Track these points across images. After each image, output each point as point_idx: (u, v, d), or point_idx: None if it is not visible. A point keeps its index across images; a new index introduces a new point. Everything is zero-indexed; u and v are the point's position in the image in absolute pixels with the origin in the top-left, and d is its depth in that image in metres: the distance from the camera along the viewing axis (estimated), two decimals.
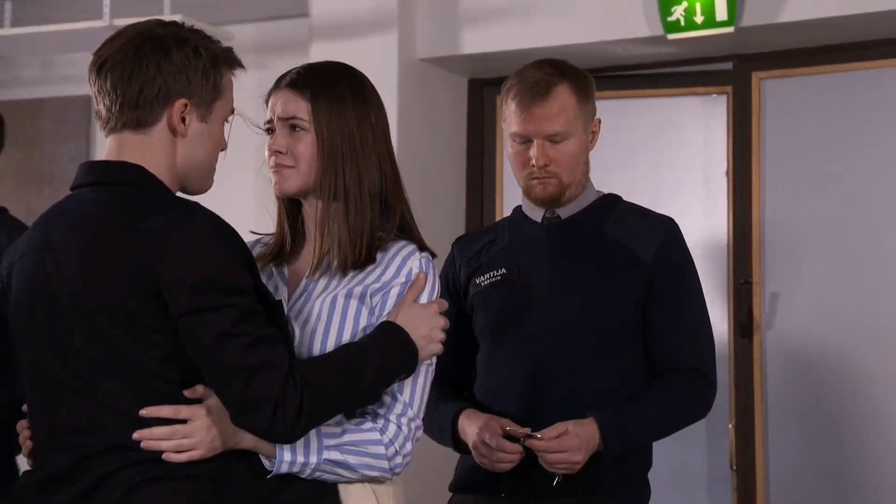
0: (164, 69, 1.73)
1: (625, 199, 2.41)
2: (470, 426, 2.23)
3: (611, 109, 3.96)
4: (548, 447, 2.14)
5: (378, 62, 3.84)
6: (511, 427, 2.19)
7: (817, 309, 3.69)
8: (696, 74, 3.91)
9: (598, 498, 2.22)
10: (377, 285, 1.89)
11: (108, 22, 3.81)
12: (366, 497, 1.87)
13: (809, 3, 3.44)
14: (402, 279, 1.89)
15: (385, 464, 1.84)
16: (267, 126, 1.94)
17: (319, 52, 3.90)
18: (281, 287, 1.97)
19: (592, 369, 2.23)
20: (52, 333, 1.73)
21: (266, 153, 1.93)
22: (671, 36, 3.59)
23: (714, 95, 3.88)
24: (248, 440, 1.76)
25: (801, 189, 3.73)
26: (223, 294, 1.66)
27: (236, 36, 4.11)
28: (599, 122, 2.37)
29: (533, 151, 2.27)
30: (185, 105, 1.75)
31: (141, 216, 1.69)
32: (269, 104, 1.95)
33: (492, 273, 2.33)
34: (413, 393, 1.89)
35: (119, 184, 1.75)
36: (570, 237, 2.31)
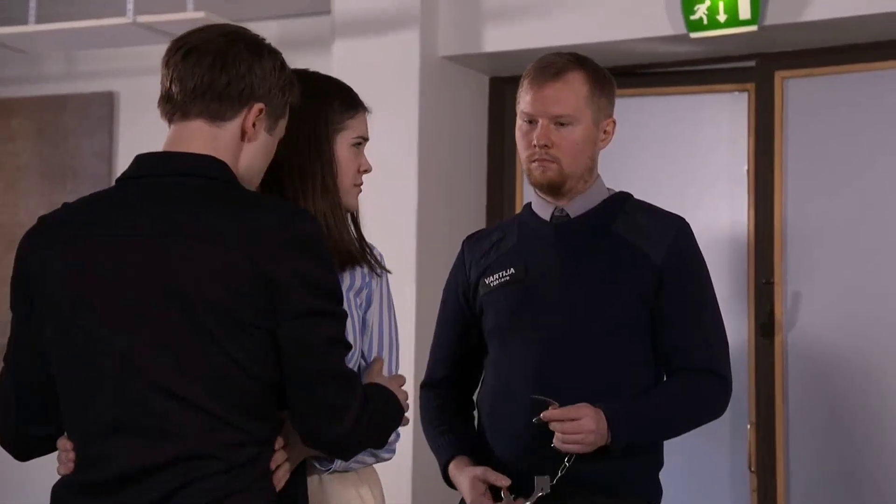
0: (255, 70, 1.76)
1: (638, 197, 2.38)
2: (460, 478, 2.26)
3: (633, 107, 3.96)
4: (564, 414, 2.12)
5: (400, 59, 3.85)
6: (496, 479, 2.20)
7: (840, 309, 3.67)
8: (717, 72, 3.90)
9: (609, 499, 2.21)
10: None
11: (131, 18, 3.82)
12: (345, 483, 2.00)
13: (833, 1, 3.42)
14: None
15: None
16: (365, 143, 2.12)
17: (342, 50, 3.91)
18: None
19: (601, 369, 2.22)
20: (136, 322, 1.66)
21: (360, 175, 2.09)
22: (694, 34, 3.58)
23: (736, 93, 3.86)
24: (311, 450, 1.86)
25: (824, 188, 3.71)
26: (336, 300, 1.72)
27: (259, 33, 4.13)
28: (614, 123, 2.34)
29: (536, 132, 2.25)
30: (261, 110, 1.77)
31: (249, 211, 1.68)
32: (363, 123, 2.10)
33: (501, 273, 2.31)
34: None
35: (207, 177, 1.72)
36: (579, 236, 2.29)
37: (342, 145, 2.06)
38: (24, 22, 4.04)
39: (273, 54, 1.81)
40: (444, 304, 2.43)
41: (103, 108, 4.67)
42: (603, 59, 3.89)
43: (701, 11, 3.55)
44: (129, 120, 4.62)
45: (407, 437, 3.39)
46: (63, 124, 4.72)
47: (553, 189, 2.28)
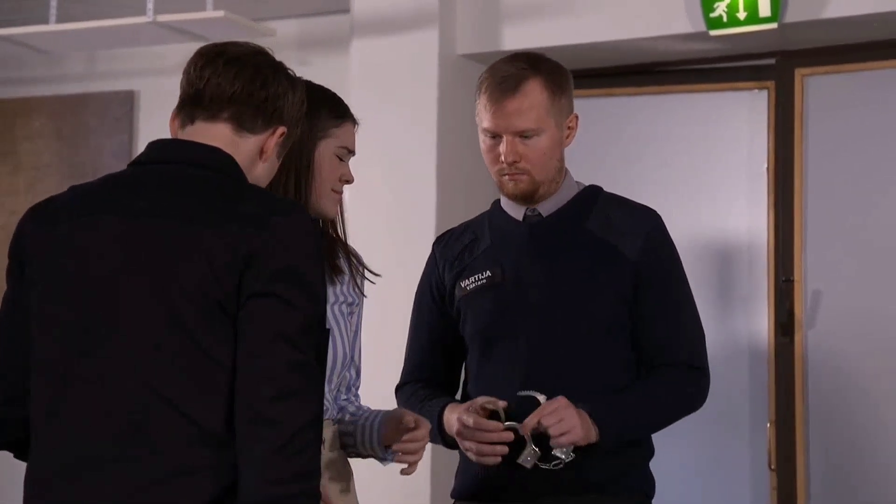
0: (288, 96, 1.81)
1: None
2: (452, 416, 2.20)
3: (652, 105, 3.95)
4: (539, 412, 2.09)
5: (418, 58, 3.85)
6: (490, 404, 2.14)
7: (860, 307, 3.65)
8: (737, 70, 3.88)
9: (601, 495, 2.19)
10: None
11: (151, 18, 3.84)
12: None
13: None
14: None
15: None
16: (350, 155, 2.15)
17: (360, 49, 3.92)
18: None
19: (586, 370, 2.20)
20: (119, 312, 1.64)
21: (340, 184, 2.13)
22: (713, 32, 3.57)
23: (755, 91, 3.85)
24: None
25: (844, 186, 3.70)
26: (300, 290, 1.63)
27: (277, 32, 4.14)
28: (576, 117, 2.30)
29: (502, 147, 2.22)
30: (283, 134, 1.80)
31: (241, 199, 1.68)
32: (350, 134, 2.14)
33: (476, 276, 2.28)
34: None
35: (214, 168, 1.73)
36: (553, 236, 2.27)
37: (324, 152, 2.08)
38: (45, 22, 4.06)
39: (302, 88, 1.85)
40: (417, 309, 2.40)
41: (123, 107, 4.68)
42: (622, 57, 3.90)
43: (720, 9, 3.54)
44: (149, 119, 4.64)
45: None
46: (83, 124, 4.75)
47: (527, 198, 2.27)
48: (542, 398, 2.13)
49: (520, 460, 2.12)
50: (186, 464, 1.60)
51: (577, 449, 2.13)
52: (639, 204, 2.34)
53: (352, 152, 2.14)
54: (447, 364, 2.37)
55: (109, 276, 1.66)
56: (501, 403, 2.15)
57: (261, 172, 1.80)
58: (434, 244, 2.42)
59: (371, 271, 2.19)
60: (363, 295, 2.19)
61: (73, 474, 1.63)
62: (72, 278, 1.68)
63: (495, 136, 2.23)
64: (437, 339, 2.36)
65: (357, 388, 2.20)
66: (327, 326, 2.05)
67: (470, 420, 2.14)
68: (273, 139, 1.79)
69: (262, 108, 1.77)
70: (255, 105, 1.76)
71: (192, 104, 1.77)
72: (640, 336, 2.24)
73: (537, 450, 2.12)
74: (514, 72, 2.23)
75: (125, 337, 1.64)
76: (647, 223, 2.27)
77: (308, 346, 1.62)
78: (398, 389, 2.40)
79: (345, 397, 2.18)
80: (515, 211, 2.30)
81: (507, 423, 2.14)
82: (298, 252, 1.65)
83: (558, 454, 2.12)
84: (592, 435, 2.13)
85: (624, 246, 2.23)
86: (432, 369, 2.37)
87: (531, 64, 2.25)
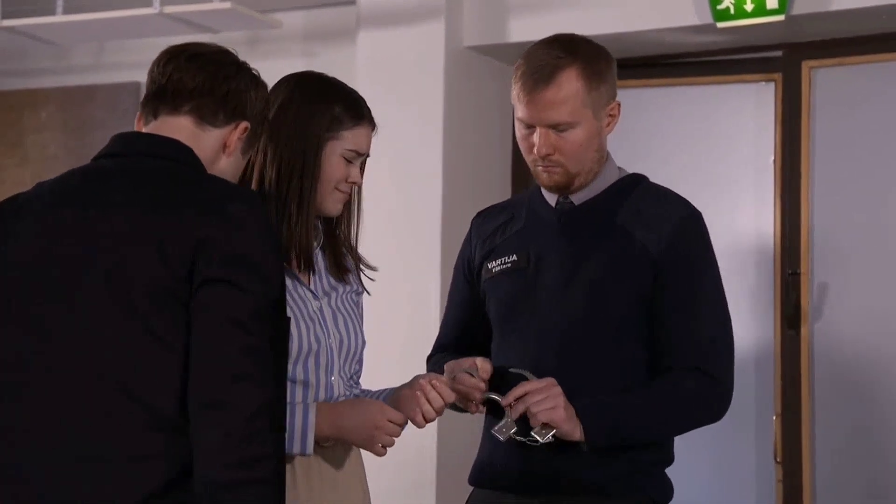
0: (251, 93, 1.83)
1: (652, 180, 2.27)
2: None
3: (659, 97, 3.95)
4: (525, 385, 2.05)
5: (424, 50, 3.85)
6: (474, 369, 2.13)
7: (866, 300, 3.65)
8: (744, 62, 3.88)
9: (611, 498, 2.12)
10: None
11: (158, 9, 3.84)
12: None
13: None
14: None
15: None
16: (360, 157, 2.12)
17: (366, 40, 3.91)
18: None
19: (590, 365, 2.13)
20: (69, 304, 1.65)
21: (346, 184, 2.10)
22: (720, 24, 3.56)
23: (763, 83, 3.84)
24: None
25: (852, 179, 3.69)
26: (252, 276, 1.63)
27: (284, 23, 4.14)
28: (618, 105, 2.21)
29: (536, 138, 2.14)
30: (246, 129, 1.83)
31: (198, 187, 1.70)
32: (361, 137, 2.10)
33: (503, 259, 2.24)
34: None
35: (172, 159, 1.75)
36: (581, 226, 2.19)
37: (331, 153, 2.07)
38: (52, 13, 4.06)
39: (265, 87, 1.88)
40: (453, 282, 2.38)
41: (131, 98, 4.68)
42: (629, 49, 3.89)
43: (728, 1, 3.53)
44: None
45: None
46: (91, 115, 4.75)
47: (562, 189, 2.20)
48: (531, 377, 2.10)
49: (494, 430, 2.09)
50: (141, 449, 1.61)
51: (570, 447, 2.08)
52: (677, 197, 2.22)
53: (362, 155, 2.12)
54: (477, 340, 2.31)
55: (65, 268, 1.67)
56: (483, 372, 2.12)
57: (225, 167, 1.83)
58: (474, 218, 2.38)
59: (368, 275, 2.19)
60: (367, 292, 2.20)
61: (28, 462, 1.64)
62: (30, 271, 1.70)
63: (529, 126, 2.16)
64: (469, 315, 2.32)
65: (358, 378, 2.21)
66: (310, 316, 2.05)
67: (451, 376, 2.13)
68: (235, 134, 1.82)
69: (223, 102, 1.80)
70: (216, 99, 1.79)
71: (156, 99, 1.81)
72: (655, 335, 2.14)
73: (514, 423, 2.07)
74: (548, 60, 2.13)
75: (80, 326, 1.65)
76: (676, 217, 2.16)
77: (261, 330, 1.62)
78: (428, 359, 2.38)
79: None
80: (550, 196, 2.24)
81: (488, 394, 2.12)
82: (250, 238, 1.65)
83: (535, 434, 2.05)
84: (577, 433, 2.06)
85: (648, 240, 2.14)
86: (462, 343, 2.33)
87: (568, 51, 2.15)
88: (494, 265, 2.25)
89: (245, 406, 1.58)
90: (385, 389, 2.19)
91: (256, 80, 1.85)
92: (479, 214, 2.38)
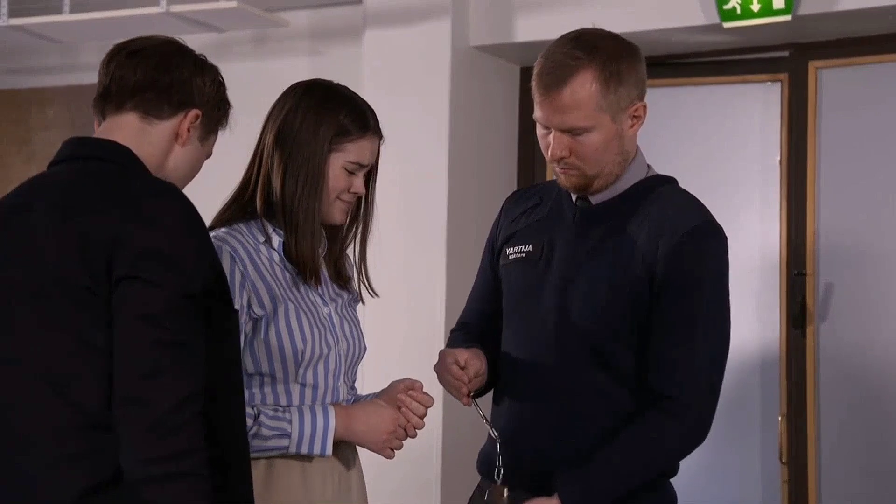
0: (195, 80, 1.83)
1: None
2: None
3: (665, 97, 3.94)
4: None
5: (430, 49, 3.85)
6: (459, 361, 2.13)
7: (872, 300, 3.64)
8: (751, 62, 3.88)
9: None
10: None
11: (164, 8, 3.85)
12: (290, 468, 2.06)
13: None
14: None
15: None
16: (362, 169, 2.13)
17: (373, 39, 3.92)
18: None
19: (586, 368, 2.09)
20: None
21: (349, 194, 2.12)
22: (727, 24, 3.56)
23: (769, 83, 3.84)
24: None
25: (857, 179, 3.69)
26: (165, 270, 1.62)
27: (290, 22, 4.14)
28: (644, 106, 2.11)
29: (551, 140, 2.07)
30: (198, 116, 1.82)
31: (125, 186, 1.70)
32: (365, 150, 2.11)
33: (519, 248, 2.20)
34: None
35: (109, 160, 1.75)
36: (594, 228, 2.12)
37: (334, 165, 2.08)
38: (59, 12, 4.07)
39: (213, 70, 1.87)
40: (483, 256, 2.36)
41: None
42: None
43: (734, 1, 3.53)
44: None
45: (436, 415, 3.40)
46: None
47: (581, 190, 2.15)
48: (494, 434, 2.11)
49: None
50: (73, 449, 1.62)
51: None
52: (693, 207, 2.12)
53: (365, 167, 2.12)
54: (497, 319, 2.27)
55: None
56: (470, 367, 2.12)
57: (180, 156, 1.83)
58: (507, 199, 2.34)
59: (371, 291, 2.21)
60: (362, 302, 2.23)
61: None
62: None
63: (545, 127, 2.08)
64: (491, 292, 2.30)
65: (353, 381, 2.23)
66: (262, 314, 2.04)
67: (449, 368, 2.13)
68: (186, 123, 1.81)
69: (167, 94, 1.80)
70: (158, 91, 1.79)
71: (102, 100, 1.82)
72: (643, 352, 2.05)
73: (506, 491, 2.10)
74: (563, 61, 2.03)
75: (6, 330, 1.67)
76: (683, 228, 2.05)
77: (178, 324, 1.61)
78: (451, 332, 2.37)
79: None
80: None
81: (492, 432, 2.13)
82: (164, 233, 1.64)
83: None
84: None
85: (648, 250, 2.05)
86: (482, 321, 2.31)
87: (586, 51, 2.04)
88: (511, 252, 2.22)
89: (162, 401, 1.58)
90: (365, 396, 2.21)
91: (203, 65, 1.85)
92: (510, 196, 2.36)
